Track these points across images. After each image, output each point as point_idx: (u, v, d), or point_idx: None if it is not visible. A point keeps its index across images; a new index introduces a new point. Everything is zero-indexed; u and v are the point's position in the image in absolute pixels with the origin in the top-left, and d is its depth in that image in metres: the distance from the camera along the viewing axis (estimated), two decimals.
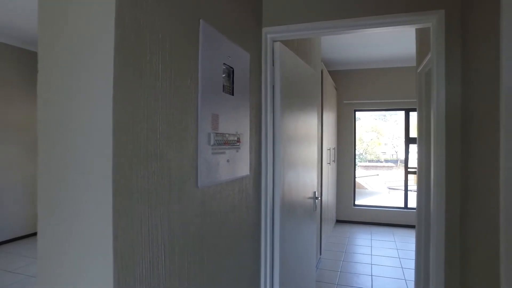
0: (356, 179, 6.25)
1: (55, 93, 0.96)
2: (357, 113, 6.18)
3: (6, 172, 4.21)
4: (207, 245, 1.38)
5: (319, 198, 2.91)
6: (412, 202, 6.17)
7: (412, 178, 6.21)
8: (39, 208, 0.99)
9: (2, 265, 3.57)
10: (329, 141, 4.88)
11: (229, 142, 1.52)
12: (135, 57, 0.98)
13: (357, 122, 6.25)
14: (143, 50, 1.01)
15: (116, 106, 0.89)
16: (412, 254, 4.25)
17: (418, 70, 3.01)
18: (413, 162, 5.60)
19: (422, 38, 2.94)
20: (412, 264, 3.86)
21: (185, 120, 1.22)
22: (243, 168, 1.72)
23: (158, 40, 1.08)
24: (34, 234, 4.54)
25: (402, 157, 5.98)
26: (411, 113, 5.81)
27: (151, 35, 1.05)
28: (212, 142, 1.38)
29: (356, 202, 6.16)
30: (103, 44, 0.90)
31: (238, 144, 1.63)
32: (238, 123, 1.66)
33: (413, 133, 5.48)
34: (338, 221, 6.02)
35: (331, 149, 5.03)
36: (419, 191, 2.96)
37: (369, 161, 18.02)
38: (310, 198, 2.82)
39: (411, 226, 5.52)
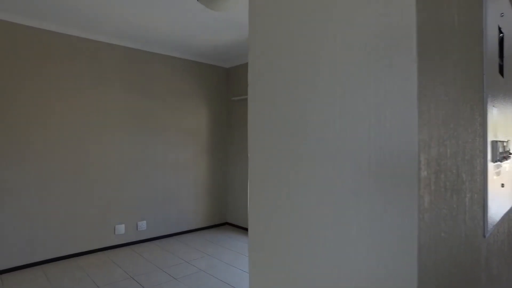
0: None
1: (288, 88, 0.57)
2: None
3: (183, 171, 4.67)
4: None
5: None
6: None
7: None
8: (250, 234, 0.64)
9: (179, 254, 3.89)
10: None
11: (506, 155, 0.90)
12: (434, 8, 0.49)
13: None
14: None
15: (421, 101, 0.43)
16: None
17: None
18: None
19: None
20: None
21: (472, 122, 0.69)
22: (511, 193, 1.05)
23: None
24: (201, 229, 4.90)
25: None
26: None
27: None
28: (497, 157, 0.80)
29: None
30: None
31: (510, 156, 0.99)
32: (508, 122, 1.01)
33: None
34: None
35: None
36: None
37: None
38: None
39: None
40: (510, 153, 0.99)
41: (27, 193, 3.34)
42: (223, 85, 5.22)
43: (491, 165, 0.77)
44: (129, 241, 4.11)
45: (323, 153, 0.52)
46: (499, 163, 0.82)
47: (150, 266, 3.49)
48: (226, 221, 5.27)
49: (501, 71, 0.97)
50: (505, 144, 0.89)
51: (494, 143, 0.79)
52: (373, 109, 0.46)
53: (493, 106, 0.81)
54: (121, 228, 4.03)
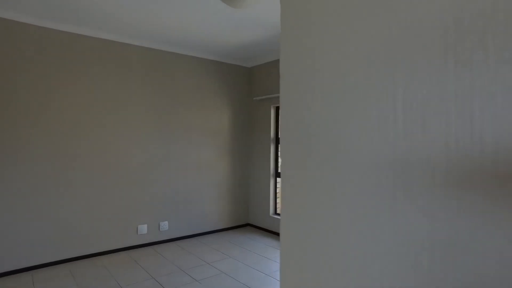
0: None
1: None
2: None
3: (205, 171, 4.63)
4: None
5: None
6: None
7: None
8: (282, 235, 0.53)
9: (201, 255, 3.84)
10: None
11: None
12: None
13: None
14: None
15: None
16: None
17: None
18: None
19: None
20: None
21: None
22: None
23: None
24: (222, 230, 4.84)
25: None
26: None
27: None
28: None
29: None
30: None
31: None
32: None
33: None
34: None
35: None
36: None
37: None
38: None
39: None
40: None
41: (52, 192, 3.39)
42: (245, 85, 5.14)
43: None
44: (151, 241, 4.11)
45: (377, 160, 0.41)
46: None
47: (172, 267, 3.46)
48: (248, 222, 5.19)
49: None
50: None
51: None
52: (452, 101, 0.35)
53: None
54: (143, 228, 4.03)
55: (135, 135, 3.95)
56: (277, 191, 4.95)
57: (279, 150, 4.92)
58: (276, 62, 4.74)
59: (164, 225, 4.21)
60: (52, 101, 3.38)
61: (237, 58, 4.84)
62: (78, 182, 3.54)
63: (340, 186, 0.45)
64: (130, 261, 3.61)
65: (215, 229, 4.77)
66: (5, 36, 3.12)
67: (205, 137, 4.63)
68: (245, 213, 5.17)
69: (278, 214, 4.88)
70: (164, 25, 3.46)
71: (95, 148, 3.65)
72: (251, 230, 4.97)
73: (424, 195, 0.37)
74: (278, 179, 4.95)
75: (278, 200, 4.96)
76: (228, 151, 4.93)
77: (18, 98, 3.20)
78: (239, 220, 5.08)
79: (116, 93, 3.79)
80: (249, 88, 5.20)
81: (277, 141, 4.92)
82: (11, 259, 3.17)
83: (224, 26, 3.51)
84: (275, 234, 4.72)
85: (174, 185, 4.30)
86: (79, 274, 3.24)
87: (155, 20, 3.33)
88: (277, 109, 4.91)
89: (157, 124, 4.13)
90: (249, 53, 4.60)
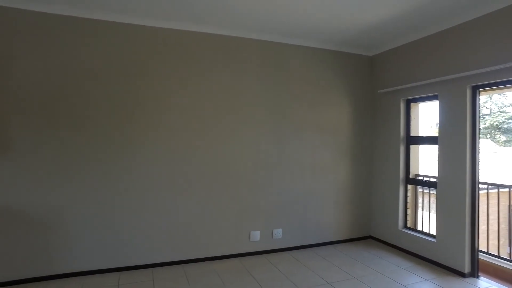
0: None
1: None
2: None
3: (321, 175, 3.86)
4: None
5: None
6: None
7: None
8: None
9: (319, 271, 3.13)
10: None
11: None
12: None
13: None
14: None
15: None
16: None
17: None
18: None
19: None
20: None
21: None
22: None
23: None
24: (340, 241, 4.02)
25: None
26: None
27: None
28: None
29: None
30: None
31: None
32: None
33: None
34: None
35: None
36: None
37: None
38: None
39: None
40: None
41: (171, 194, 3.23)
42: (366, 76, 4.23)
43: None
44: (264, 249, 3.61)
45: None
46: None
47: (287, 284, 2.86)
48: (370, 235, 4.24)
49: None
50: None
51: None
52: None
53: None
54: (256, 235, 3.57)
55: (248, 135, 3.53)
56: (408, 200, 3.85)
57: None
58: (406, 47, 3.68)
59: (278, 232, 3.67)
60: (162, 99, 3.23)
61: (357, 46, 3.98)
62: (192, 183, 3.32)
63: None
64: (242, 269, 3.18)
65: (333, 240, 4.00)
66: (131, 40, 3.10)
67: (321, 137, 3.92)
68: (367, 224, 4.23)
69: (409, 228, 3.79)
70: (276, 11, 2.91)
71: (209, 151, 3.37)
72: (375, 244, 4.01)
73: None
74: (409, 186, 3.85)
75: (409, 211, 3.86)
76: (348, 152, 4.09)
77: (137, 98, 3.14)
78: (359, 232, 4.18)
79: (229, 91, 3.46)
80: (372, 79, 4.25)
81: (408, 140, 3.83)
82: (134, 256, 3.12)
83: (344, 4, 2.73)
84: (405, 252, 3.67)
85: (287, 190, 3.72)
86: (192, 278, 2.97)
87: (267, 7, 2.81)
88: (408, 102, 3.83)
89: (270, 123, 3.63)
90: (371, 39, 3.69)
